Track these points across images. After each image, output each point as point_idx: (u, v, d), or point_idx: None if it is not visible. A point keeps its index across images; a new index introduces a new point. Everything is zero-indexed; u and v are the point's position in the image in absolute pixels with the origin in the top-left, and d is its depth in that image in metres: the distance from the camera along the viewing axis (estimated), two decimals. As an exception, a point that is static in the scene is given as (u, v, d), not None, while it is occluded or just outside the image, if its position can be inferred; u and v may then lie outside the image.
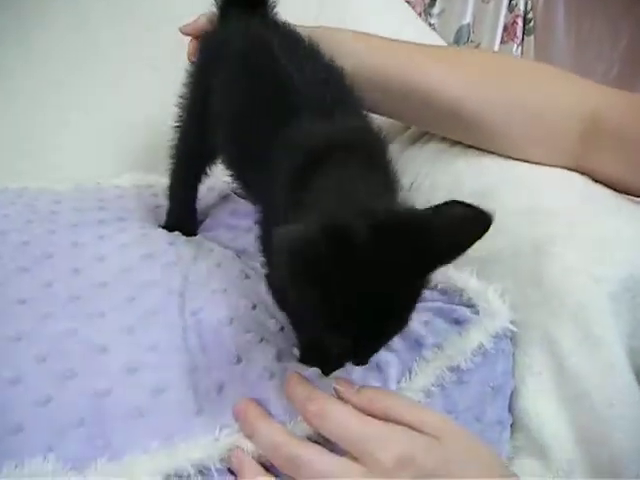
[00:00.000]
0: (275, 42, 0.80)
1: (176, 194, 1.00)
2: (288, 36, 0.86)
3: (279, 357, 0.71)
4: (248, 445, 0.62)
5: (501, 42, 3.36)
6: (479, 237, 0.55)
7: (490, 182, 0.73)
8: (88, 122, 1.26)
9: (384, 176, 0.69)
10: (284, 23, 0.91)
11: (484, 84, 0.94)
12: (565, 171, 0.90)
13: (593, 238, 0.77)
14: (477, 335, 0.71)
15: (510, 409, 0.76)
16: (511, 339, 0.76)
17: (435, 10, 3.15)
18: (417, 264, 0.55)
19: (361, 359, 0.62)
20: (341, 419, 0.61)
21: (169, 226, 0.98)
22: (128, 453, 0.58)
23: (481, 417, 0.71)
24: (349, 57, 0.86)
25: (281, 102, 0.75)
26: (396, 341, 0.70)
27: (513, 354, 0.76)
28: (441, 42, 1.53)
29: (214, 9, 0.96)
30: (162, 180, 1.04)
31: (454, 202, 0.56)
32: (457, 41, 3.25)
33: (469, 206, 0.55)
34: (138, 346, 0.68)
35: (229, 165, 0.88)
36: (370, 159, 0.68)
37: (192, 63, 0.95)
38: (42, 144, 1.21)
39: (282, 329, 0.76)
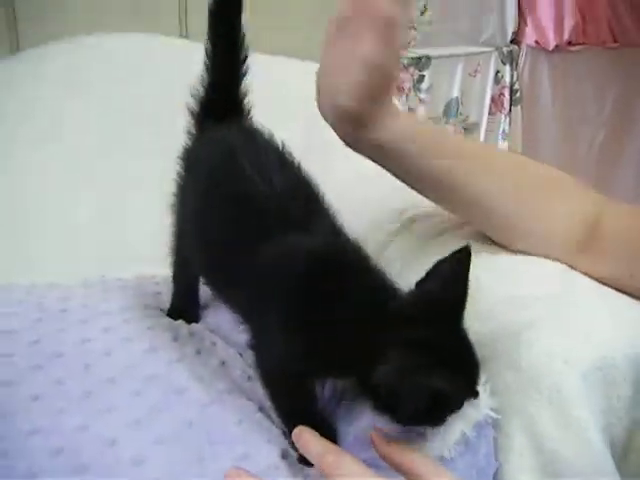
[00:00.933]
0: (241, 153, 0.83)
1: (179, 282, 1.03)
2: (258, 145, 0.88)
3: (284, 456, 0.75)
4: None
5: (489, 113, 3.43)
6: (469, 265, 0.72)
7: (475, 272, 0.78)
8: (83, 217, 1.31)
9: (381, 279, 0.77)
10: (257, 131, 0.92)
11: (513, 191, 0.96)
12: (549, 261, 0.94)
13: (569, 323, 0.81)
14: (459, 425, 0.75)
15: (495, 487, 0.80)
16: (492, 425, 0.79)
17: (424, 85, 3.22)
18: (456, 313, 0.72)
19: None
20: (354, 470, 0.66)
21: (172, 313, 1.01)
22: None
23: (467, 500, 0.75)
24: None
25: (251, 217, 0.79)
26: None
27: (495, 437, 0.80)
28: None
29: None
30: (163, 271, 1.08)
31: (438, 263, 0.73)
32: (446, 114, 3.32)
33: (449, 257, 0.73)
34: (145, 440, 0.72)
35: (206, 278, 0.91)
36: (360, 267, 0.76)
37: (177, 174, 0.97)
38: (33, 242, 1.26)
39: (285, 433, 0.79)
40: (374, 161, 0.93)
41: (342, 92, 0.83)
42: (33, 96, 1.41)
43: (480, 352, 0.77)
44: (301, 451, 0.72)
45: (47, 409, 0.75)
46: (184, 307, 1.03)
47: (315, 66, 0.87)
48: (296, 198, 0.81)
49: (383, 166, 0.94)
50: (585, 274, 0.92)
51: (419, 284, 0.74)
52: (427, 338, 0.68)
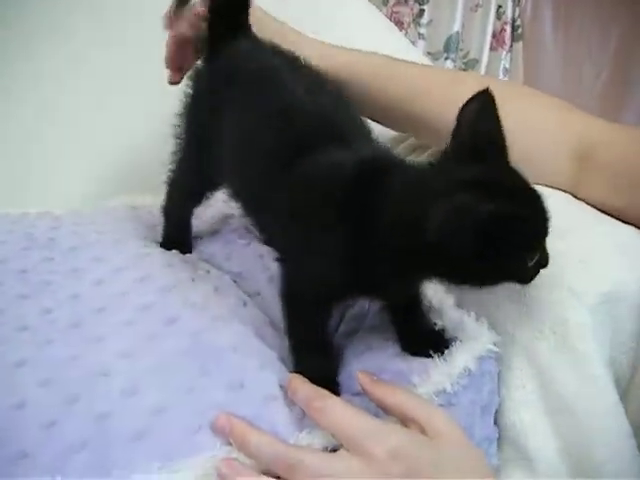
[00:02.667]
0: (283, 71, 0.83)
1: (171, 216, 1.02)
2: (293, 63, 0.87)
3: (280, 384, 0.73)
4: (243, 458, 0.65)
5: (490, 49, 3.39)
6: (494, 104, 0.69)
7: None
8: (79, 145, 1.30)
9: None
10: (284, 49, 0.90)
11: None
12: (556, 191, 0.93)
13: (573, 254, 0.80)
14: (462, 358, 0.74)
15: (496, 422, 0.79)
16: (496, 358, 0.78)
17: (424, 20, 3.18)
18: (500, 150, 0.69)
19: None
20: (342, 414, 0.66)
21: (166, 244, 1.00)
22: (130, 475, 0.61)
23: (471, 436, 0.73)
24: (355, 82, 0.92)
25: (294, 132, 0.77)
26: (386, 373, 0.75)
27: (499, 372, 0.79)
28: (422, 56, 1.59)
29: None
30: (157, 199, 1.06)
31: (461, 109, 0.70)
32: (447, 49, 3.28)
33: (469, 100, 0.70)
34: (137, 369, 0.71)
35: (236, 199, 0.88)
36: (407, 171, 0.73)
37: (187, 95, 0.94)
38: (30, 169, 1.26)
39: (282, 360, 0.78)
40: None
41: None
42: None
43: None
44: (291, 398, 0.71)
45: (35, 340, 0.73)
46: (177, 238, 1.02)
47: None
48: (339, 112, 0.81)
49: None
50: (587, 201, 0.91)
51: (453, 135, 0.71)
52: (477, 178, 0.65)
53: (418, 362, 0.75)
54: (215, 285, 0.89)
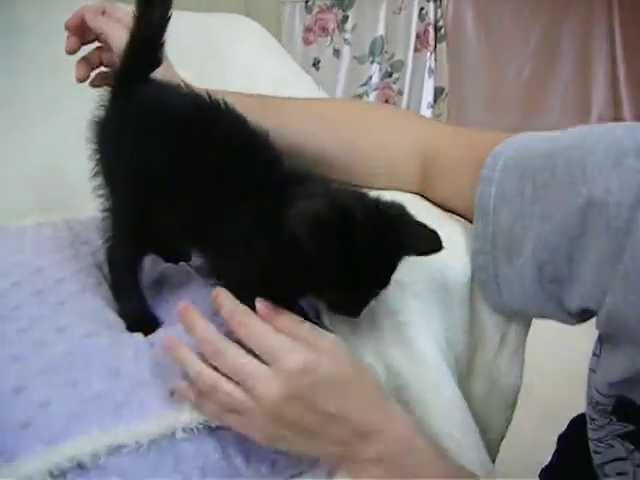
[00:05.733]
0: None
1: (130, 281, 0.96)
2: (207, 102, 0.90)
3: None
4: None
5: (415, 51, 3.50)
6: (430, 253, 0.80)
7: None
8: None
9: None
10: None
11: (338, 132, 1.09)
12: (406, 194, 1.03)
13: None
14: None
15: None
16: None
17: (348, 25, 3.28)
18: (390, 251, 0.78)
19: (353, 311, 0.82)
20: (260, 330, 0.77)
21: (133, 325, 0.94)
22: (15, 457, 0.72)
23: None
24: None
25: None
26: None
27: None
28: (315, 88, 1.72)
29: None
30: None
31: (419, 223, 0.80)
32: (372, 53, 3.38)
33: (429, 229, 0.80)
34: (27, 371, 0.81)
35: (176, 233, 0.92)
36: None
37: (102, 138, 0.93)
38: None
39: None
40: None
41: None
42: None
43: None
44: (216, 310, 0.81)
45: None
46: (143, 311, 0.97)
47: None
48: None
49: None
50: (433, 201, 1.03)
51: None
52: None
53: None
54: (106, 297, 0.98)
